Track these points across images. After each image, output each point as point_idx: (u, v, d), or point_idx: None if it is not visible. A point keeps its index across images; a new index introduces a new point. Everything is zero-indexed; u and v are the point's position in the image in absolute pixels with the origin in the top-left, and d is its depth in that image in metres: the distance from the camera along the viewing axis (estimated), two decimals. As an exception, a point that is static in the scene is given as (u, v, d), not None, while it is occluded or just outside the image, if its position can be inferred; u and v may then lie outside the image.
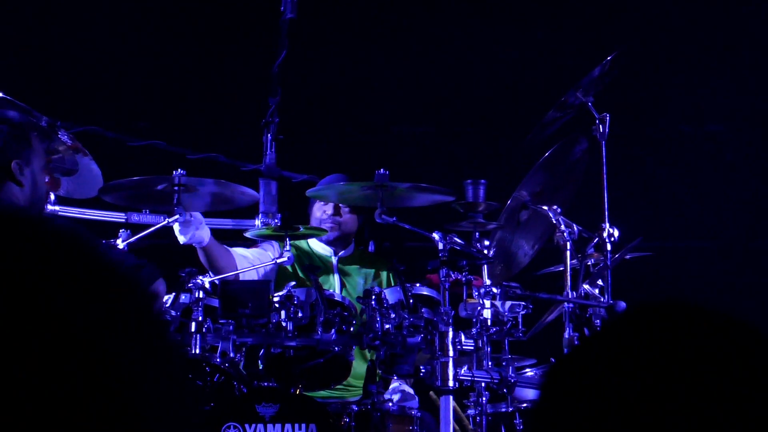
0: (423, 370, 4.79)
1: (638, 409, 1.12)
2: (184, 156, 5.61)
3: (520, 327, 4.91)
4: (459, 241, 4.88)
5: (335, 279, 5.91)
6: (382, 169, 4.90)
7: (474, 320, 4.85)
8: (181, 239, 5.07)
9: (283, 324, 4.68)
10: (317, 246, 6.03)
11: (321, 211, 5.92)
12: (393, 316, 4.73)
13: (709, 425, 1.11)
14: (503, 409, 5.04)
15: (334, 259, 6.00)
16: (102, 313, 0.94)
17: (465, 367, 4.83)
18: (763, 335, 1.17)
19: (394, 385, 5.31)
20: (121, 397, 0.91)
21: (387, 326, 4.72)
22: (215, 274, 5.18)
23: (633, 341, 1.17)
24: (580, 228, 5.16)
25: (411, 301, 4.79)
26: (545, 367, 5.18)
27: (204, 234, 5.16)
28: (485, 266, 5.02)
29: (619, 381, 1.14)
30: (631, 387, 1.13)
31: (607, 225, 5.07)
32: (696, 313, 1.18)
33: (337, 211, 5.92)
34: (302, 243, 5.95)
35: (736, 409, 1.11)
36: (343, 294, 5.45)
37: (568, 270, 5.06)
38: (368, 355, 5.34)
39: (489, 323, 4.84)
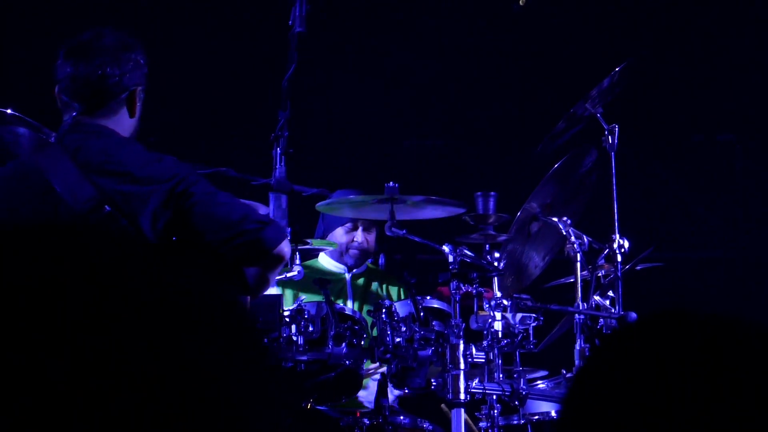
0: (434, 383, 4.78)
1: (654, 420, 1.12)
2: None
3: (532, 339, 4.90)
4: (469, 253, 4.88)
5: (348, 294, 5.92)
6: (392, 182, 4.90)
7: (485, 332, 4.84)
8: None
9: (294, 338, 4.68)
10: (328, 263, 6.04)
11: (349, 237, 5.96)
12: (404, 329, 4.73)
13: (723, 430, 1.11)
14: (515, 422, 5.03)
15: (347, 276, 6.01)
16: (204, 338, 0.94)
17: (476, 380, 4.82)
18: None
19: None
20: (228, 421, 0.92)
21: (398, 339, 4.71)
22: None
23: (647, 350, 1.16)
24: (591, 239, 5.15)
25: (422, 314, 4.79)
26: (557, 379, 5.17)
27: None
28: (496, 278, 5.02)
29: (636, 391, 1.14)
30: (647, 397, 1.13)
31: (618, 236, 5.06)
32: (706, 321, 1.18)
33: (367, 240, 5.97)
34: (313, 261, 5.98)
35: (753, 417, 1.11)
36: (355, 308, 5.45)
37: (579, 281, 5.05)
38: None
39: (500, 335, 4.83)
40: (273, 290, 5.61)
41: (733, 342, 1.17)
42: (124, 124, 3.84)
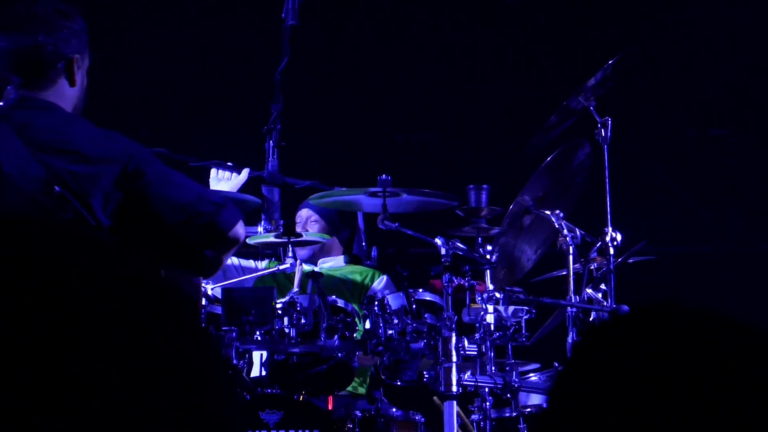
0: (427, 376, 4.79)
1: (642, 414, 1.12)
2: (186, 164, 5.60)
3: (524, 332, 4.90)
4: (462, 246, 4.88)
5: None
6: (384, 175, 4.89)
7: (477, 325, 4.84)
8: None
9: (286, 331, 4.68)
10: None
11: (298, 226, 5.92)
12: (396, 321, 4.73)
13: (712, 427, 1.11)
14: (507, 414, 5.03)
15: (315, 269, 5.98)
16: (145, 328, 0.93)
17: (468, 373, 4.82)
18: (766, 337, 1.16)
19: None
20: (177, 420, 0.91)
21: (390, 332, 4.72)
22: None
23: (636, 344, 1.16)
24: (583, 232, 5.15)
25: (414, 306, 4.79)
26: (549, 372, 5.18)
27: None
28: (488, 271, 5.02)
29: (622, 384, 1.13)
30: (634, 391, 1.13)
31: (610, 229, 5.06)
32: (696, 315, 1.18)
33: (306, 226, 5.92)
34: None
35: (740, 412, 1.11)
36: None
37: (571, 274, 5.06)
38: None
39: (492, 328, 4.83)
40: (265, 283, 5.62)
41: (721, 337, 1.17)
42: (65, 95, 3.72)
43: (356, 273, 5.97)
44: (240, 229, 3.62)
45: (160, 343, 0.93)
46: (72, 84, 3.72)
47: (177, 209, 3.53)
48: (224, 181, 5.31)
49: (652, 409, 1.11)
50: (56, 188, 3.49)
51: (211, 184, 5.30)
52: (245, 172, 5.32)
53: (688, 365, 1.13)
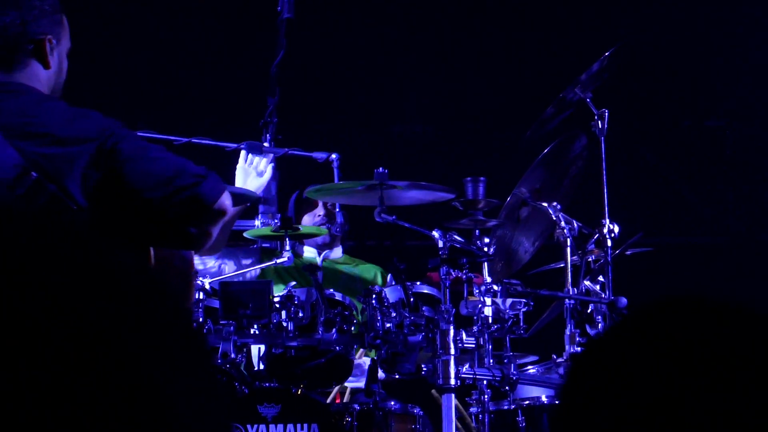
0: (425, 369, 4.78)
1: (661, 406, 1.11)
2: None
3: (522, 324, 4.90)
4: (459, 238, 4.87)
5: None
6: (381, 168, 4.89)
7: (475, 318, 4.84)
8: None
9: (284, 324, 4.68)
10: (307, 250, 6.05)
11: (313, 216, 5.94)
12: (394, 314, 4.73)
13: (730, 419, 1.10)
14: (505, 407, 5.03)
15: (318, 260, 6.00)
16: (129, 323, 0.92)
17: (467, 365, 4.82)
18: None
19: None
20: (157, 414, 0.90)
21: (388, 325, 4.71)
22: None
23: (656, 336, 1.16)
24: (580, 224, 5.15)
25: (412, 299, 4.78)
26: (548, 364, 5.18)
27: None
28: (486, 264, 5.01)
29: (642, 376, 1.13)
30: (654, 383, 1.12)
31: (608, 221, 5.06)
32: (718, 308, 1.18)
33: (329, 215, 5.94)
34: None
35: (756, 403, 1.11)
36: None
37: (569, 266, 5.05)
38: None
39: (490, 321, 4.83)
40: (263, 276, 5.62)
41: (741, 329, 1.16)
42: (40, 78, 3.57)
43: (367, 271, 6.00)
44: (226, 200, 3.47)
45: (137, 333, 0.92)
46: (46, 66, 3.58)
47: (157, 185, 3.40)
48: (253, 177, 5.23)
49: (674, 403, 1.11)
50: (33, 174, 3.37)
51: (237, 177, 5.23)
52: (269, 169, 5.21)
53: (704, 359, 1.12)
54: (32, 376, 0.86)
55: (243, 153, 5.27)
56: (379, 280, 5.92)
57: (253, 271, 5.58)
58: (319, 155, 5.16)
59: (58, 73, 3.64)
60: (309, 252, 6.06)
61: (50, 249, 0.91)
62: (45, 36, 3.58)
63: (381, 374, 4.92)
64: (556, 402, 4.98)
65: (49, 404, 0.86)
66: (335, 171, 4.87)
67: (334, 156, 4.92)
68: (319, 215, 5.96)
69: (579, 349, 4.92)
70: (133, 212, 3.41)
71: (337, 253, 6.12)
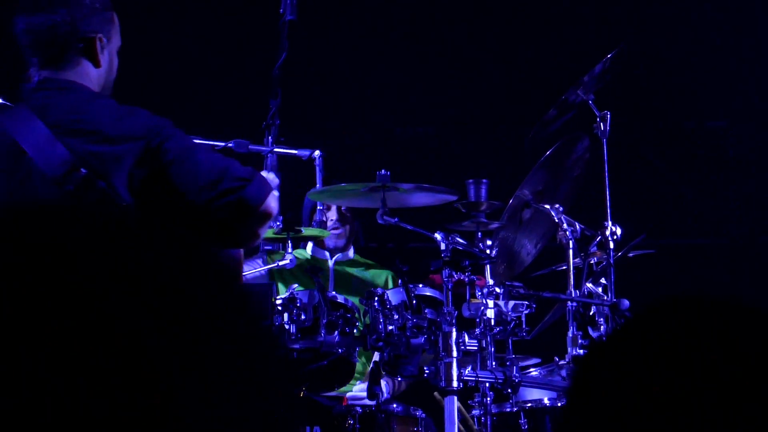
0: (427, 371, 4.78)
1: (665, 407, 1.11)
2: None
3: (524, 326, 4.90)
4: (461, 241, 4.87)
5: (329, 281, 5.93)
6: (383, 170, 4.89)
7: (477, 320, 4.84)
8: None
9: (286, 326, 4.67)
10: (314, 251, 6.07)
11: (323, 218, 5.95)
12: (396, 317, 4.72)
13: (735, 419, 1.10)
14: (508, 409, 5.03)
15: (330, 262, 6.02)
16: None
17: (469, 368, 4.82)
18: None
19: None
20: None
21: (390, 327, 4.71)
22: None
23: (660, 337, 1.15)
24: (583, 226, 5.15)
25: (414, 302, 4.78)
26: (550, 366, 5.17)
27: None
28: (488, 266, 5.01)
29: (646, 377, 1.13)
30: (658, 384, 1.12)
31: (610, 223, 5.06)
32: (721, 307, 1.17)
33: (342, 218, 5.96)
34: (300, 251, 5.99)
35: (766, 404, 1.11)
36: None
37: (571, 268, 5.05)
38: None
39: (492, 323, 4.82)
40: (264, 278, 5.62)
41: (745, 328, 1.16)
42: (91, 76, 3.58)
43: (378, 276, 6.01)
44: (272, 202, 3.46)
45: (202, 321, 0.92)
46: (96, 64, 3.59)
47: (201, 188, 3.39)
48: None
49: (680, 402, 1.11)
50: (82, 170, 3.37)
51: None
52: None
53: (712, 360, 1.12)
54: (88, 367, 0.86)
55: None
56: (390, 284, 5.93)
57: (258, 272, 5.58)
58: (303, 153, 5.14)
59: (108, 71, 3.65)
60: (318, 254, 6.08)
61: (102, 244, 0.91)
62: (96, 34, 3.58)
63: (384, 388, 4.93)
64: (560, 404, 4.98)
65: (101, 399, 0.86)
66: (317, 169, 4.85)
67: (317, 153, 4.89)
68: (332, 219, 5.97)
69: (582, 351, 4.92)
70: (178, 212, 3.40)
71: (349, 255, 6.14)
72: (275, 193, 3.53)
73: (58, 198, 3.36)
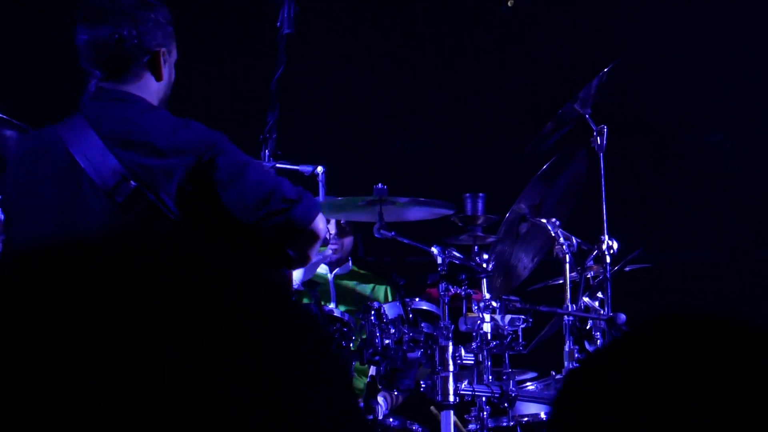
0: (423, 385, 4.77)
1: (658, 423, 1.11)
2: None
3: (521, 340, 4.89)
4: (458, 254, 4.87)
5: (331, 295, 5.93)
6: (380, 184, 4.89)
7: (474, 334, 4.83)
8: None
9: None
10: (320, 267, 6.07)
11: None
12: (393, 331, 4.72)
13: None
14: (504, 424, 5.02)
15: (330, 276, 6.02)
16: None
17: (465, 382, 4.81)
18: None
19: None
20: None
21: (387, 341, 4.71)
22: None
23: (654, 353, 1.15)
24: (579, 240, 5.15)
25: (411, 315, 4.78)
26: (547, 380, 5.17)
27: None
28: (485, 280, 5.01)
29: (637, 392, 1.12)
30: (651, 399, 1.12)
31: (607, 237, 5.06)
32: (718, 323, 1.17)
33: (341, 231, 5.97)
34: None
35: (754, 421, 1.10)
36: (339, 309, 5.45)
37: (568, 283, 5.05)
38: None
39: (489, 337, 4.82)
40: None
41: (740, 344, 1.16)
42: (151, 89, 3.56)
43: (378, 291, 6.02)
44: (320, 223, 3.44)
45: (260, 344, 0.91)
46: (158, 78, 3.57)
47: (249, 209, 3.37)
48: None
49: (670, 418, 1.10)
50: (132, 183, 3.35)
51: None
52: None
53: (701, 377, 1.12)
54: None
55: None
56: (390, 298, 5.94)
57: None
58: (305, 168, 5.14)
59: (168, 85, 3.63)
60: (321, 268, 6.08)
61: (151, 262, 0.91)
62: (160, 48, 3.56)
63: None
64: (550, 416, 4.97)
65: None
66: (321, 185, 4.85)
67: (320, 169, 4.89)
68: (331, 233, 5.99)
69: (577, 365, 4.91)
70: (227, 230, 3.37)
71: (348, 266, 6.15)
72: (322, 215, 3.50)
73: (108, 210, 3.34)
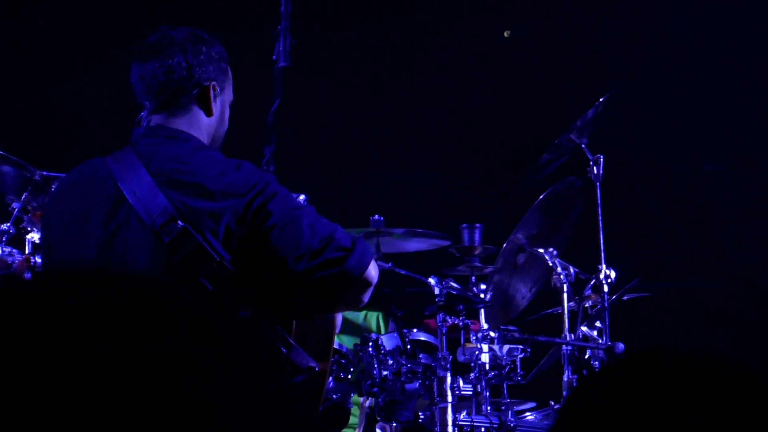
0: (422, 416, 4.76)
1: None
2: None
3: (519, 370, 4.89)
4: (456, 285, 4.87)
5: None
6: (377, 215, 4.89)
7: (472, 365, 4.83)
8: None
9: (281, 372, 4.66)
10: None
11: None
12: (391, 362, 4.71)
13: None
14: (504, 454, 5.01)
15: None
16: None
17: (464, 413, 4.80)
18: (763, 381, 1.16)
19: None
20: None
21: (385, 373, 4.70)
22: None
23: (629, 388, 1.15)
24: (577, 270, 5.15)
25: (409, 347, 4.77)
26: (546, 410, 5.16)
27: None
28: (482, 310, 5.01)
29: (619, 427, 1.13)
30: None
31: (604, 266, 5.06)
32: (691, 359, 1.17)
33: None
34: None
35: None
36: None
37: (566, 312, 5.04)
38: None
39: (487, 367, 4.82)
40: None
41: (716, 382, 1.16)
42: (201, 124, 3.53)
43: (371, 319, 6.01)
44: (373, 270, 3.35)
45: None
46: (208, 113, 3.55)
47: (302, 256, 3.27)
48: None
49: None
50: (179, 223, 3.29)
51: None
52: None
53: (680, 411, 1.12)
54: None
55: None
56: (383, 327, 5.92)
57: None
58: None
59: (220, 122, 3.61)
60: None
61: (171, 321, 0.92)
62: (210, 82, 3.55)
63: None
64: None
65: None
66: None
67: (302, 197, 4.89)
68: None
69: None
70: (276, 276, 3.30)
71: None
72: (375, 261, 3.41)
73: (154, 248, 3.29)
